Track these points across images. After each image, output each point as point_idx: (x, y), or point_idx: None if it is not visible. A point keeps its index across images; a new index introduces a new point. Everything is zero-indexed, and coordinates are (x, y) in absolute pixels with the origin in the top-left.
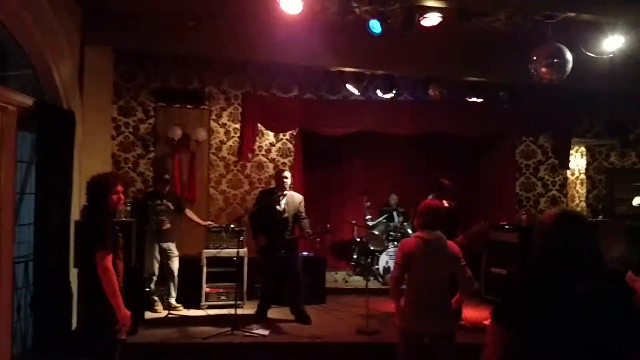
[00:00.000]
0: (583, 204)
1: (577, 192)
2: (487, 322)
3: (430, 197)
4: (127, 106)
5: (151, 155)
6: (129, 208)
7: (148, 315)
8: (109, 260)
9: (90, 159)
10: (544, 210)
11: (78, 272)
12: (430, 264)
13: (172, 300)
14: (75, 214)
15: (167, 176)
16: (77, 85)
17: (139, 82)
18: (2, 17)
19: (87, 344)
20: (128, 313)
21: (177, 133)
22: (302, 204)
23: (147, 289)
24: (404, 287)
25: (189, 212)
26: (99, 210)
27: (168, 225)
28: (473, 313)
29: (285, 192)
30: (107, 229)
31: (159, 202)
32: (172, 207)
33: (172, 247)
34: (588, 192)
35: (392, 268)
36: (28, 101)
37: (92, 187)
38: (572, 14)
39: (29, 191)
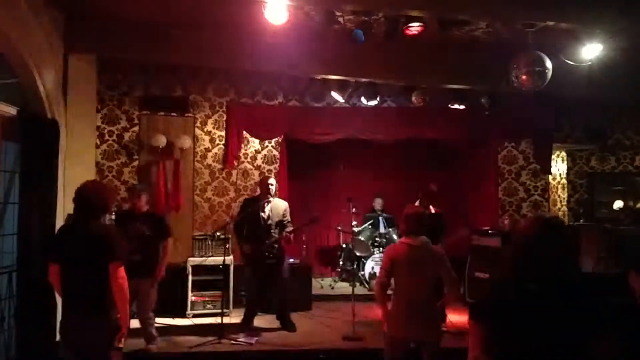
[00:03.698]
0: (565, 208)
1: (559, 196)
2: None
3: (417, 202)
4: (111, 114)
5: (135, 163)
6: (113, 217)
7: (133, 324)
8: (122, 270)
9: (75, 168)
10: (527, 215)
11: (75, 282)
12: (416, 269)
13: None
14: (59, 224)
15: (139, 187)
16: (61, 94)
17: (123, 90)
18: None
19: (93, 355)
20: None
21: (162, 141)
22: (287, 210)
23: None
24: (389, 292)
25: (170, 244)
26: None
27: (138, 257)
28: (457, 317)
29: (270, 199)
30: (120, 241)
31: (129, 225)
32: (147, 233)
33: (144, 285)
34: (569, 196)
35: (378, 274)
36: (12, 111)
37: (100, 197)
38: (551, 23)
39: (13, 201)
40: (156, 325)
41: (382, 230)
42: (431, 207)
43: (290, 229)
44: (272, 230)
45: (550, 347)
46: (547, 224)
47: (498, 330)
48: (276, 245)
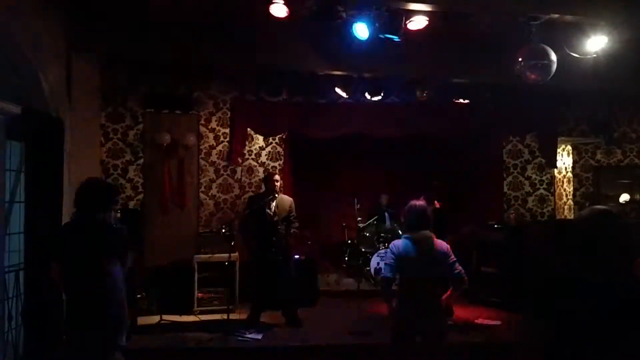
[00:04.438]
0: (570, 202)
1: (565, 190)
2: (478, 321)
3: (422, 197)
4: (115, 112)
5: (140, 161)
6: (119, 215)
7: (141, 321)
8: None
9: (79, 166)
10: (532, 210)
11: (77, 278)
12: (420, 263)
13: None
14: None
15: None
16: (65, 93)
17: (127, 88)
18: None
19: (96, 351)
20: None
21: (166, 139)
22: (293, 205)
23: (139, 295)
24: (395, 287)
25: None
26: (110, 217)
27: None
28: (464, 312)
29: (275, 196)
30: (120, 238)
31: None
32: None
33: None
34: (575, 190)
35: (383, 269)
36: (16, 110)
37: (100, 194)
38: (556, 15)
39: (19, 200)
40: (163, 322)
41: (387, 225)
42: (435, 202)
43: (297, 225)
44: (279, 227)
45: (617, 337)
46: (607, 217)
47: (565, 324)
48: (284, 242)
